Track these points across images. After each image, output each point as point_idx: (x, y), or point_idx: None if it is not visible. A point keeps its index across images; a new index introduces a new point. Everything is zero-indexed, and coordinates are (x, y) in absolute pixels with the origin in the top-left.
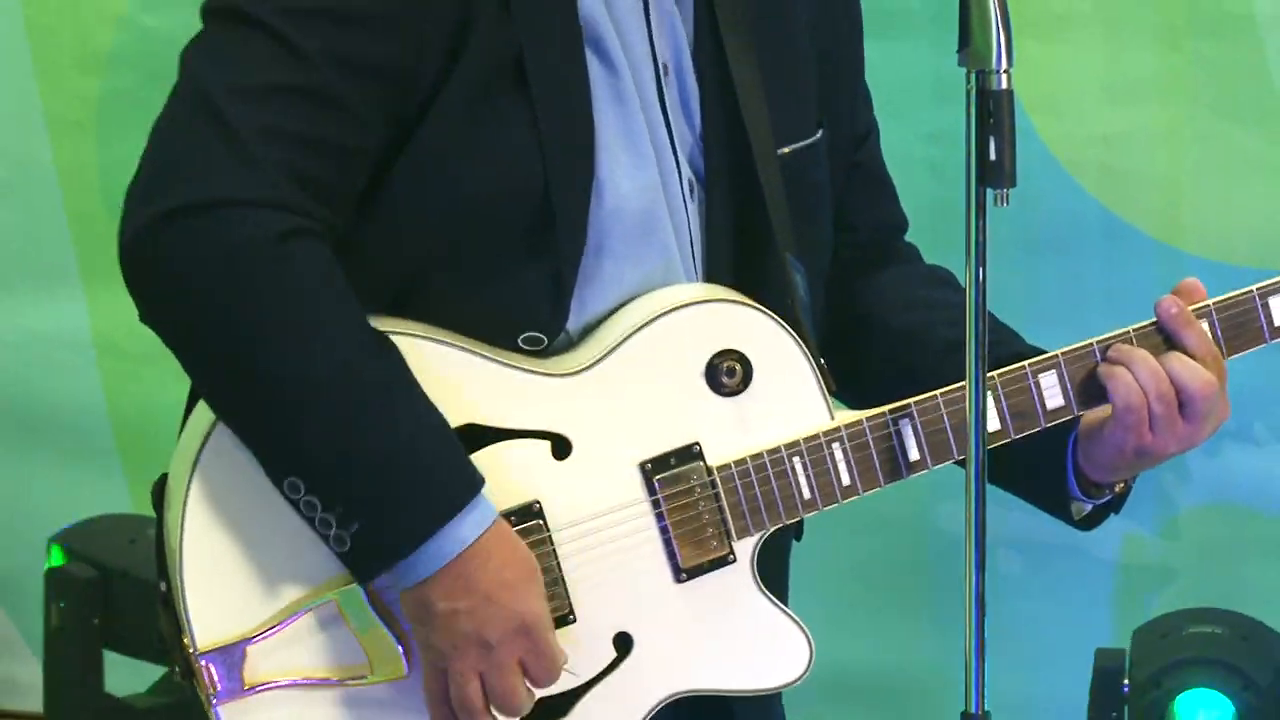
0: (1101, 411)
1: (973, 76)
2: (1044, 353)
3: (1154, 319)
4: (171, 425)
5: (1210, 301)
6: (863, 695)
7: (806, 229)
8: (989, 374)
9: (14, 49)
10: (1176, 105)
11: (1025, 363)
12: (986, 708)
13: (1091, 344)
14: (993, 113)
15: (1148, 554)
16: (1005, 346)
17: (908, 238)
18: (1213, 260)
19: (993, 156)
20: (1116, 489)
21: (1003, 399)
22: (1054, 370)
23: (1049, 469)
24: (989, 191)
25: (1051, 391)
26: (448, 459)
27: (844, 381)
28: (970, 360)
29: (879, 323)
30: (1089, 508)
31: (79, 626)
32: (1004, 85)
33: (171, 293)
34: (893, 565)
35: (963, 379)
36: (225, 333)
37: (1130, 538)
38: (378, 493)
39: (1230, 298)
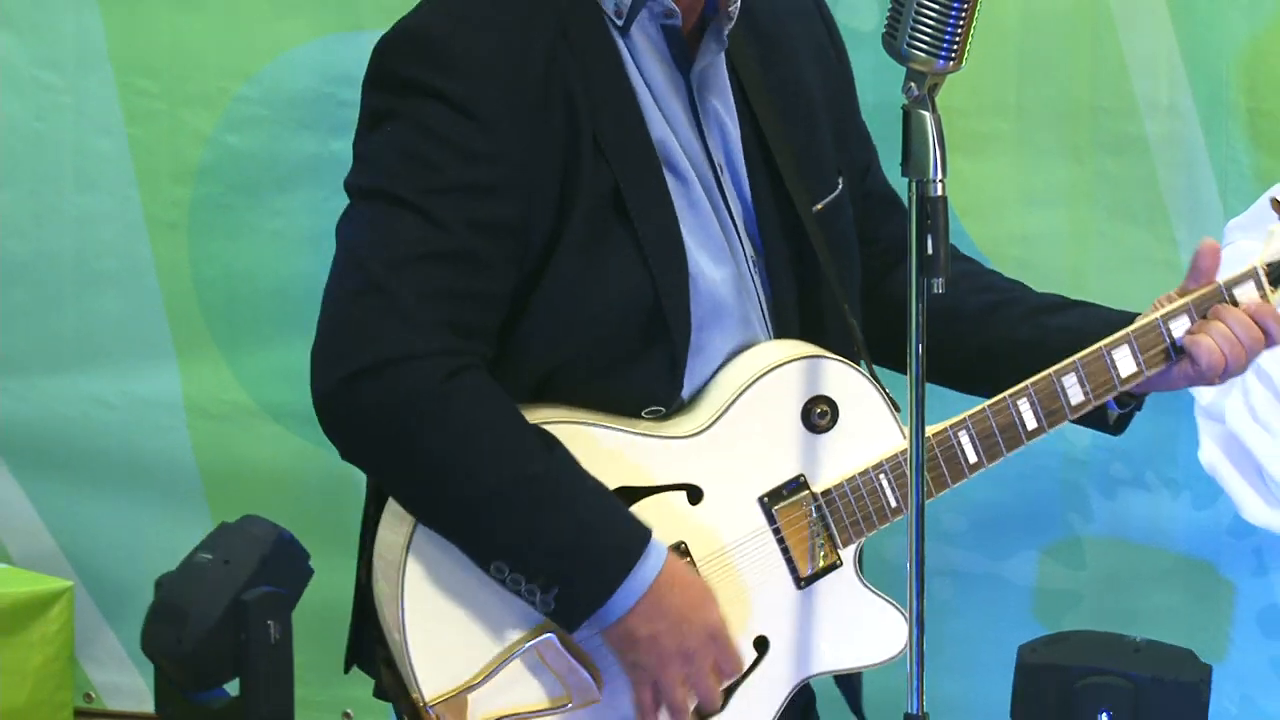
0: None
1: (914, 185)
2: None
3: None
4: (250, 476)
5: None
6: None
7: (846, 269)
8: (1073, 359)
9: (119, 163)
10: (1081, 210)
11: (1101, 344)
12: (926, 709)
13: (1156, 319)
14: (930, 215)
15: (1058, 580)
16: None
17: None
18: None
19: (930, 251)
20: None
21: (1084, 377)
22: (1126, 344)
23: None
24: (927, 280)
25: (1125, 363)
26: (617, 522)
27: (894, 361)
28: (913, 413)
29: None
30: (1117, 414)
31: (285, 640)
32: (939, 193)
33: (364, 440)
34: None
35: (1002, 334)
36: (413, 467)
37: (1044, 567)
38: (567, 563)
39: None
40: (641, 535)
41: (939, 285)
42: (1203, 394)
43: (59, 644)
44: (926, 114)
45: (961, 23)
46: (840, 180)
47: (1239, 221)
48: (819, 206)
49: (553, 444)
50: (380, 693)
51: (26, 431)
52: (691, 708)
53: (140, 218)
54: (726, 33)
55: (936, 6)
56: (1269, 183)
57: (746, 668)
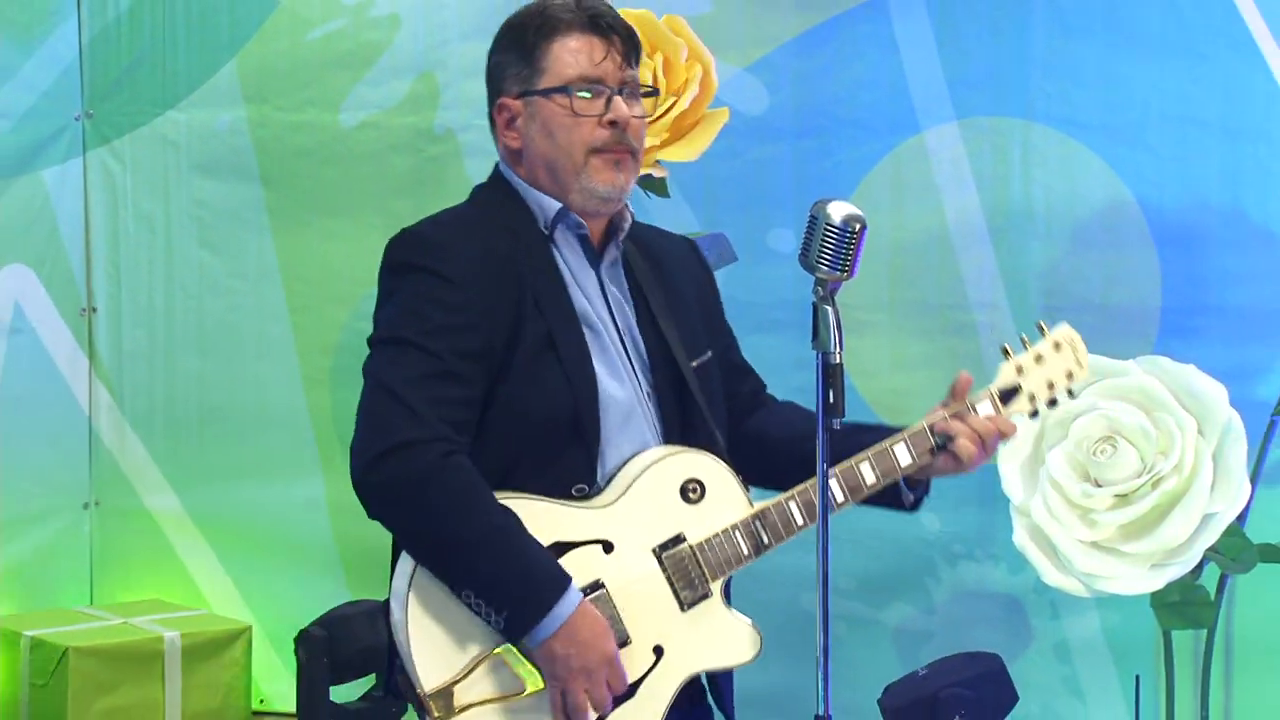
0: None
1: (820, 356)
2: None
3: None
4: (373, 551)
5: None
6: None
7: (714, 405)
8: (866, 452)
9: (284, 342)
10: (933, 372)
11: (886, 441)
12: (830, 713)
13: (924, 424)
14: (831, 376)
15: (918, 623)
16: (873, 434)
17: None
18: None
19: (831, 401)
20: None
21: (875, 464)
22: (904, 444)
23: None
24: (830, 418)
25: (904, 458)
26: (549, 571)
27: (754, 478)
28: (819, 522)
29: (771, 437)
30: (912, 498)
31: (319, 665)
32: (838, 361)
33: (387, 502)
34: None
35: (827, 457)
36: (419, 521)
37: (908, 613)
38: (515, 595)
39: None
40: (564, 581)
41: (838, 423)
42: (1014, 495)
43: (242, 665)
44: (829, 308)
45: (852, 248)
46: (710, 351)
47: None
48: (695, 363)
49: (509, 512)
50: (395, 691)
51: (222, 523)
52: (589, 711)
53: (299, 378)
54: (620, 241)
55: (834, 239)
56: None
57: (647, 669)
